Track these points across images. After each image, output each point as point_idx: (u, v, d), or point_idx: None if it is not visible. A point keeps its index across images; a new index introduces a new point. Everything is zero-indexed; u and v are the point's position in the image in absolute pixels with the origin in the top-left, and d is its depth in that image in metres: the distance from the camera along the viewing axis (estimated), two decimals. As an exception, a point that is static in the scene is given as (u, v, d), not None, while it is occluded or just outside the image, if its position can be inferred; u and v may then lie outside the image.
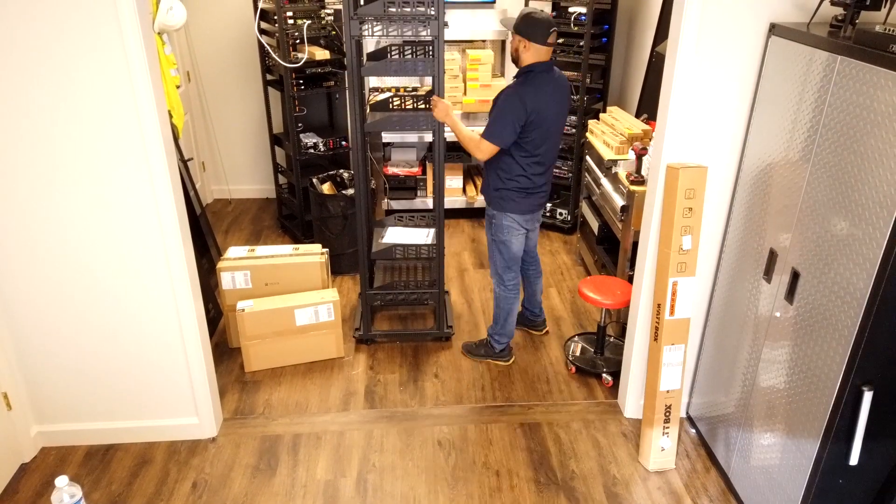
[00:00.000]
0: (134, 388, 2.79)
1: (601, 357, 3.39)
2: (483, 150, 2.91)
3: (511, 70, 5.12)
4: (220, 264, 3.41)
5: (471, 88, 4.75)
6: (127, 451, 2.83)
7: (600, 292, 3.20)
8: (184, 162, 3.88)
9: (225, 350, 3.50)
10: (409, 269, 3.95)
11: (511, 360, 3.43)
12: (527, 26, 2.84)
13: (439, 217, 3.28)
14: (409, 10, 2.83)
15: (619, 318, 3.64)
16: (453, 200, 5.03)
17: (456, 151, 5.21)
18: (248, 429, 2.96)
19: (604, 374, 3.26)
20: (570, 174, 4.71)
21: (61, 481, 2.01)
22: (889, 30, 1.79)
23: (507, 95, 2.87)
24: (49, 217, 2.46)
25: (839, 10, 2.12)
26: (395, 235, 3.56)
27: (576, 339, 3.60)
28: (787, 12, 2.33)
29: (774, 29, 2.32)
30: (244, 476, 2.69)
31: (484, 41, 5.03)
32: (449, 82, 4.69)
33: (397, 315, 3.83)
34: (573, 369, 3.35)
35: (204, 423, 2.88)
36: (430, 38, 2.93)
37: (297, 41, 4.14)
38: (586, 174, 4.20)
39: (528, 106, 2.81)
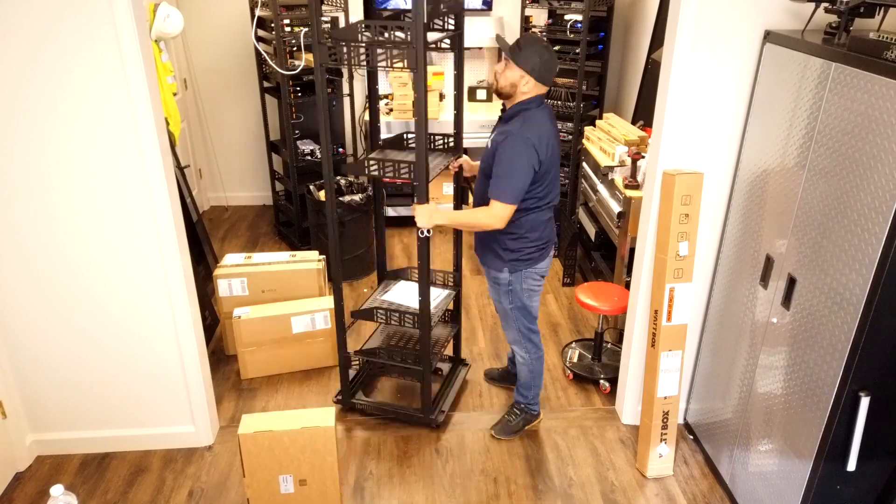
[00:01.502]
0: (130, 396, 2.78)
1: (599, 363, 3.39)
2: (500, 217, 2.39)
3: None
4: (217, 271, 3.41)
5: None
6: (123, 459, 2.81)
7: (597, 298, 3.20)
8: (180, 169, 3.88)
9: (221, 357, 3.49)
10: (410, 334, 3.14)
11: (541, 417, 3.05)
12: (538, 61, 2.37)
13: (423, 285, 2.65)
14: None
15: (617, 325, 3.64)
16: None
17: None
18: (244, 436, 2.94)
19: (601, 381, 3.26)
20: (567, 181, 4.72)
21: (56, 490, 1.99)
22: (883, 37, 1.80)
23: (513, 144, 2.36)
24: (44, 224, 2.45)
25: (833, 18, 2.14)
26: (401, 293, 3.05)
27: (573, 345, 3.60)
28: (781, 20, 2.35)
29: (769, 36, 2.33)
30: (241, 484, 2.68)
31: (480, 48, 5.05)
32: (398, 90, 4.66)
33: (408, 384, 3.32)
34: (570, 375, 3.35)
35: (200, 431, 2.87)
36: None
37: (294, 48, 4.15)
38: (583, 181, 4.21)
39: (541, 153, 2.38)
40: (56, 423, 2.79)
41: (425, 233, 2.55)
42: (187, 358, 2.73)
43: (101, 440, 2.83)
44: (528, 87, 2.41)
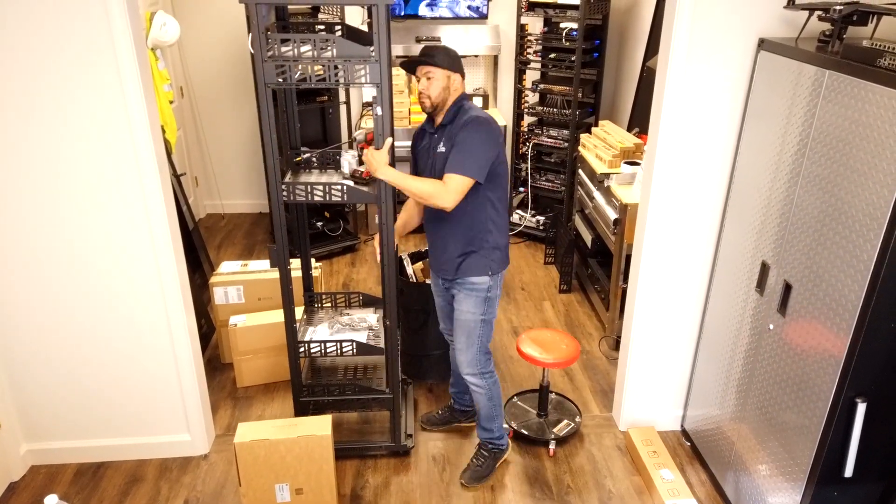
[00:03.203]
0: (125, 405, 2.76)
1: (546, 419, 3.02)
2: (455, 191, 2.24)
3: (504, 92, 5.18)
4: (213, 279, 3.40)
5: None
6: (117, 468, 2.80)
7: (543, 349, 2.81)
8: (176, 177, 3.88)
9: (217, 365, 3.48)
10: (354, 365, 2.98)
11: (509, 448, 2.84)
12: (449, 57, 2.33)
13: (391, 299, 2.51)
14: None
15: (614, 332, 3.64)
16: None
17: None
18: (240, 445, 2.93)
19: (550, 443, 2.89)
20: (563, 187, 4.73)
21: (51, 500, 1.98)
22: (876, 45, 1.81)
23: (472, 129, 2.28)
24: (39, 231, 2.44)
25: (827, 26, 2.15)
26: (322, 324, 2.89)
27: (515, 399, 3.18)
28: (775, 28, 2.37)
29: (763, 44, 2.35)
30: (237, 493, 2.66)
31: (476, 55, 5.07)
32: (395, 97, 4.66)
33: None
34: (511, 433, 2.94)
35: (196, 440, 2.85)
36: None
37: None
38: (579, 188, 4.22)
39: (498, 136, 2.32)
40: (51, 433, 2.78)
41: (378, 260, 2.49)
42: (183, 366, 2.72)
43: (95, 449, 2.81)
44: (458, 84, 2.35)
